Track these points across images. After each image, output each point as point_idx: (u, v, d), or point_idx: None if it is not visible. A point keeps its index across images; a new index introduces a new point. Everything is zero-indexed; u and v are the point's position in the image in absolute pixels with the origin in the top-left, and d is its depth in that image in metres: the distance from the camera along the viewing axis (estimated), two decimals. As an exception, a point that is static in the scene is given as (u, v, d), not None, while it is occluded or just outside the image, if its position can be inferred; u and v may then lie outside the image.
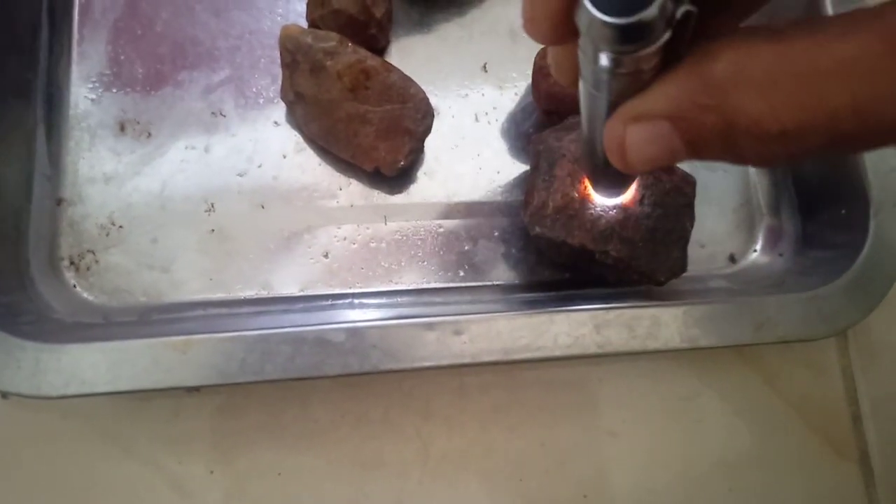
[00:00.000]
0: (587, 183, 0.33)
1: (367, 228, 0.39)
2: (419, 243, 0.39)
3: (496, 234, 0.40)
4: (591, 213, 0.33)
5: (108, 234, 0.38)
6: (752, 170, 0.43)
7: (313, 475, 0.37)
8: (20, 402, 0.36)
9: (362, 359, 0.32)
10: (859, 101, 0.15)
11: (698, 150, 0.18)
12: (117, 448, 0.36)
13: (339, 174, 0.40)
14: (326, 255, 0.39)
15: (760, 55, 0.16)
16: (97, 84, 0.40)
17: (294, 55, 0.37)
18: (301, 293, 0.38)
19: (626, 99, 0.18)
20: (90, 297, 0.37)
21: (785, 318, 0.35)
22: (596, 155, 0.22)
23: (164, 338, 0.31)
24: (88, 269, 0.37)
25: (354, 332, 0.32)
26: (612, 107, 0.19)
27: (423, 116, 0.38)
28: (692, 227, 0.36)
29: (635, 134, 0.18)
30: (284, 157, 0.40)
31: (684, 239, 0.35)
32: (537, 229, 0.34)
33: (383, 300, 0.38)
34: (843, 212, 0.38)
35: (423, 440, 0.38)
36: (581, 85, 0.20)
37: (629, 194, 0.33)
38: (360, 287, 0.38)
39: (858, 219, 0.37)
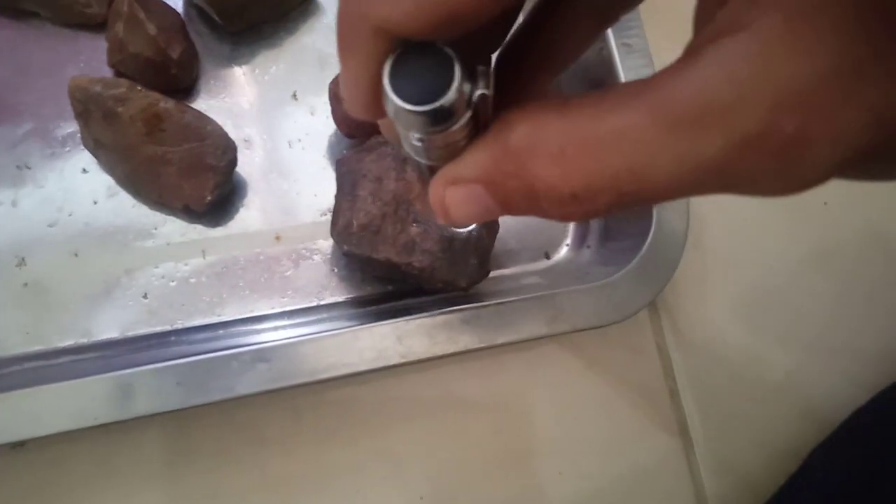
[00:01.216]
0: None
1: (186, 265, 0.40)
2: (240, 273, 0.40)
3: (318, 256, 0.41)
4: (394, 229, 0.35)
5: (-87, 300, 0.37)
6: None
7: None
8: None
9: (167, 398, 0.33)
10: (634, 166, 0.17)
11: (509, 209, 0.20)
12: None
13: (154, 214, 0.40)
14: (145, 296, 0.39)
15: (550, 125, 0.18)
16: None
17: (85, 105, 0.37)
18: (122, 336, 0.38)
19: (445, 162, 0.20)
20: None
21: (577, 309, 0.37)
22: None
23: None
24: None
25: (157, 373, 0.33)
26: (433, 169, 0.20)
27: (223, 151, 0.39)
28: (493, 234, 0.38)
29: (453, 196, 0.20)
30: (95, 202, 0.40)
31: (482, 247, 0.37)
32: (345, 247, 0.36)
33: (207, 334, 0.39)
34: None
35: (261, 467, 0.39)
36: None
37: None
38: (182, 323, 0.39)
39: (645, 209, 0.40)
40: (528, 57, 0.21)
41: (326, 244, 0.42)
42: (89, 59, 0.42)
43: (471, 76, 0.17)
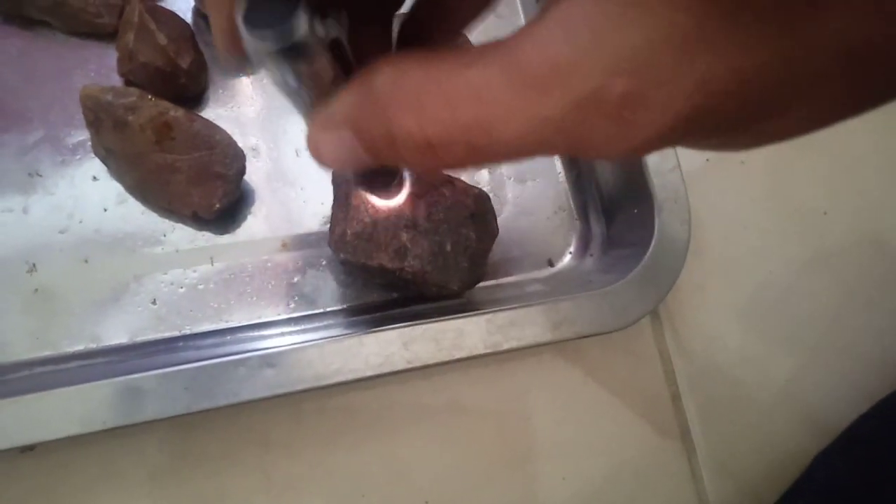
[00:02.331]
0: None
1: (194, 271, 0.40)
2: (248, 280, 0.41)
3: (324, 262, 0.42)
4: (386, 235, 0.36)
5: (-76, 306, 0.38)
6: (561, 178, 0.46)
7: (157, 518, 0.38)
8: None
9: (175, 402, 0.33)
10: (484, 121, 0.17)
11: (376, 156, 0.20)
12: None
13: (163, 220, 0.41)
14: (154, 302, 0.40)
15: (411, 74, 0.18)
16: None
17: (96, 113, 0.38)
18: (130, 342, 0.39)
19: (320, 100, 0.20)
20: None
21: (580, 316, 0.38)
22: None
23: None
24: None
25: (165, 378, 0.33)
26: (309, 109, 0.21)
27: (232, 160, 0.39)
28: (488, 237, 0.39)
29: (325, 140, 0.20)
30: (105, 210, 0.40)
31: (472, 249, 0.38)
32: (342, 255, 0.37)
33: (215, 339, 0.40)
34: (636, 211, 0.42)
35: (266, 470, 0.39)
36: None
37: (402, 196, 0.36)
38: (190, 329, 0.40)
39: (647, 217, 0.40)
40: (429, 16, 0.22)
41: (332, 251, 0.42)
42: (98, 67, 0.43)
43: (323, 20, 0.18)
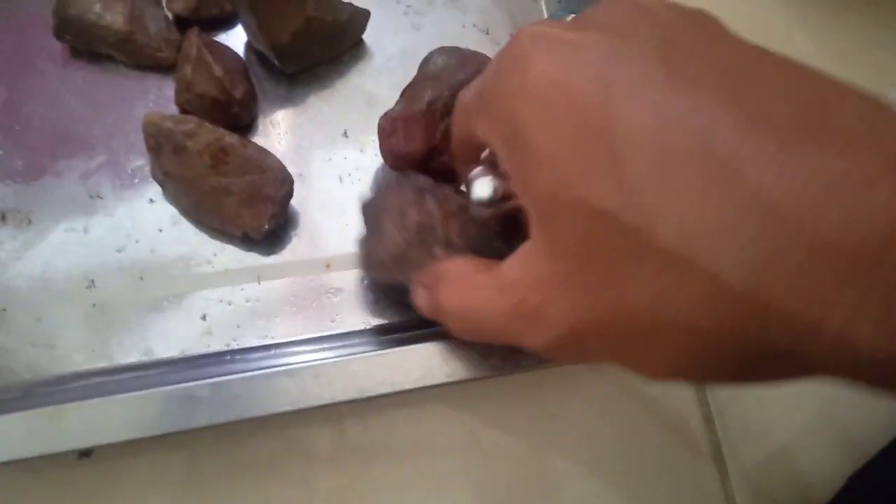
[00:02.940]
0: None
1: (242, 289, 0.42)
2: (292, 299, 0.43)
3: (364, 282, 0.44)
4: (420, 255, 0.37)
5: (-8, 319, 0.40)
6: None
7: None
8: None
9: (227, 409, 0.35)
10: (471, 309, 0.29)
11: (432, 315, 0.34)
12: (7, 520, 0.38)
13: (213, 241, 0.43)
14: (204, 318, 0.42)
15: (451, 269, 0.33)
16: (-21, 178, 0.43)
17: (157, 139, 0.40)
18: (181, 355, 0.41)
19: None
20: (-25, 379, 0.39)
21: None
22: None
23: (50, 406, 0.34)
24: (-28, 352, 0.39)
25: (219, 386, 0.35)
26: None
27: (281, 183, 0.41)
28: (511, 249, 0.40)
29: (418, 293, 0.35)
30: (161, 230, 0.43)
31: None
32: (375, 277, 0.39)
33: (261, 353, 0.41)
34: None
35: (308, 481, 0.41)
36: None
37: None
38: (237, 344, 0.41)
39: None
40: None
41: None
42: (157, 97, 0.46)
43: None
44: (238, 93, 0.44)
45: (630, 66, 0.19)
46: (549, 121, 0.21)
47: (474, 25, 0.52)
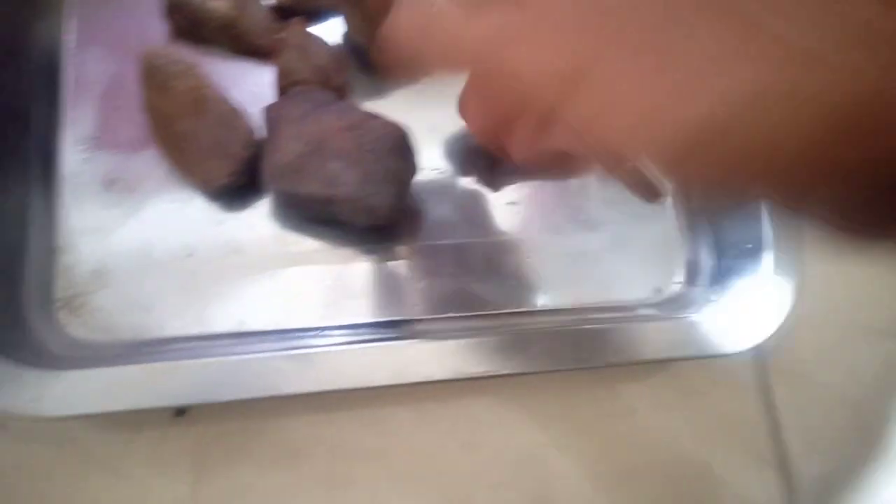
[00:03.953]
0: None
1: (334, 270, 0.44)
2: (385, 280, 0.44)
3: (450, 270, 0.45)
4: (316, 165, 0.39)
5: (97, 279, 0.42)
6: (671, 214, 0.49)
7: (287, 493, 0.41)
8: (17, 433, 0.39)
9: (319, 380, 0.36)
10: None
11: None
12: (109, 472, 0.40)
13: (308, 225, 0.45)
14: (297, 294, 0.43)
15: None
16: (87, 146, 0.45)
17: (150, 72, 0.43)
18: (273, 328, 0.42)
19: None
20: (81, 336, 0.41)
21: (684, 338, 0.40)
22: None
23: (155, 363, 0.36)
24: (79, 310, 0.41)
25: (307, 358, 0.37)
26: None
27: (247, 145, 0.43)
28: (411, 168, 0.43)
29: None
30: (258, 208, 0.45)
31: (398, 177, 0.41)
32: (273, 186, 0.41)
33: (345, 331, 0.43)
34: (749, 246, 0.44)
35: (388, 458, 0.42)
36: None
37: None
38: (329, 321, 0.43)
39: (757, 253, 0.43)
40: None
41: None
42: (254, 82, 0.48)
43: None
44: (335, 83, 0.46)
45: None
46: None
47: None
